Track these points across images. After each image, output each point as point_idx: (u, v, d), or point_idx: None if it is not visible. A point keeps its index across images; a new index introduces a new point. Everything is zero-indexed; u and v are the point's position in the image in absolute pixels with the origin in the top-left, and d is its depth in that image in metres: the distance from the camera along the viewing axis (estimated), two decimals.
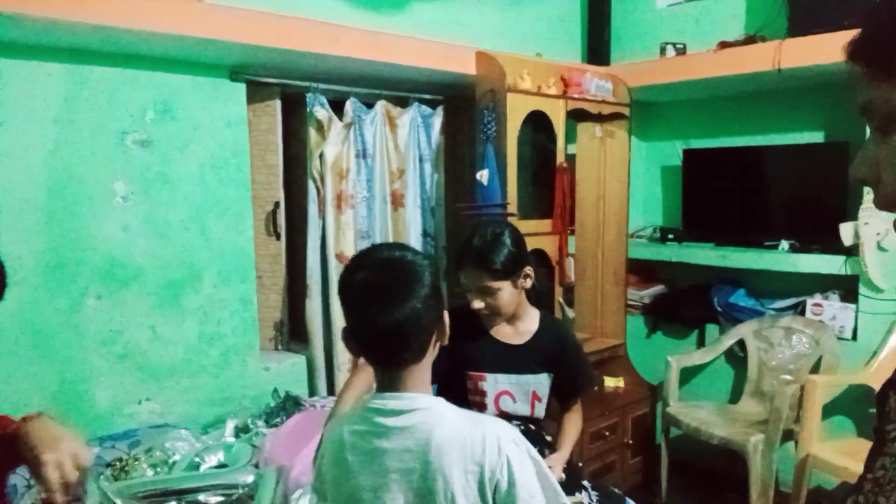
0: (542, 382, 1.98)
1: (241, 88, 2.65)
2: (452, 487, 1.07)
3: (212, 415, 2.62)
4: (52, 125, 2.23)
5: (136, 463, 1.92)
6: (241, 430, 2.36)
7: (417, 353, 1.14)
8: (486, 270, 1.81)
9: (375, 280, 1.12)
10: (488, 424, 1.13)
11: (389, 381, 1.15)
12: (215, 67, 2.57)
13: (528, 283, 1.90)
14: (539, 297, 2.02)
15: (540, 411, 2.00)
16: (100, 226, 2.34)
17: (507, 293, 1.85)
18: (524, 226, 2.74)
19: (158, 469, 1.91)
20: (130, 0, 2.03)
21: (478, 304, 1.84)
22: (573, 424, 2.04)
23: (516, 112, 2.91)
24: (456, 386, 1.92)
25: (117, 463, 1.99)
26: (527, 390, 1.96)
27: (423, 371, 1.16)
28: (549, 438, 2.04)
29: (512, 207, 2.91)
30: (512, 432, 1.16)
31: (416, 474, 1.09)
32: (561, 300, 3.27)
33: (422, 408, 1.12)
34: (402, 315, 1.09)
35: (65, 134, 2.26)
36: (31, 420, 1.10)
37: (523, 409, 1.95)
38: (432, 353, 1.18)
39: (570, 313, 3.44)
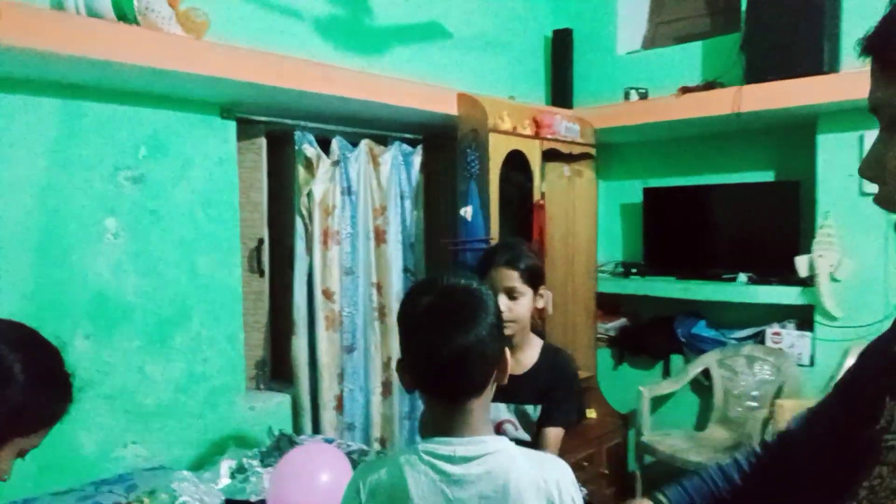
0: (526, 412, 2.02)
1: (232, 126, 2.66)
2: None
3: (197, 456, 2.55)
4: (44, 160, 2.17)
5: None
6: (236, 472, 2.30)
7: (480, 384, 1.11)
8: (517, 270, 1.84)
9: (441, 305, 1.10)
10: (555, 466, 1.16)
11: (451, 419, 1.09)
12: (207, 105, 2.57)
13: (541, 303, 1.94)
14: (536, 326, 2.07)
15: (523, 435, 2.04)
16: (90, 263, 2.28)
17: (527, 302, 1.87)
18: None
19: None
20: (128, 36, 2.03)
21: (503, 304, 1.82)
22: None
23: (498, 151, 3.02)
24: None
25: None
26: (527, 420, 2.00)
27: (483, 407, 1.13)
28: None
29: (494, 242, 2.99)
30: (570, 473, 1.18)
31: None
32: None
33: (493, 451, 1.09)
34: (468, 341, 1.06)
35: (57, 169, 2.20)
36: None
37: (524, 435, 1.99)
38: (490, 391, 1.15)
39: None
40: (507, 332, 1.90)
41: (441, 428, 1.11)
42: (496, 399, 1.93)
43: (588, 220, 3.78)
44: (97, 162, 2.29)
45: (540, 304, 1.93)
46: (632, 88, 3.65)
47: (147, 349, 2.44)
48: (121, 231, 2.35)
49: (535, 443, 2.00)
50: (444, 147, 3.32)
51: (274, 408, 2.83)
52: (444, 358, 1.07)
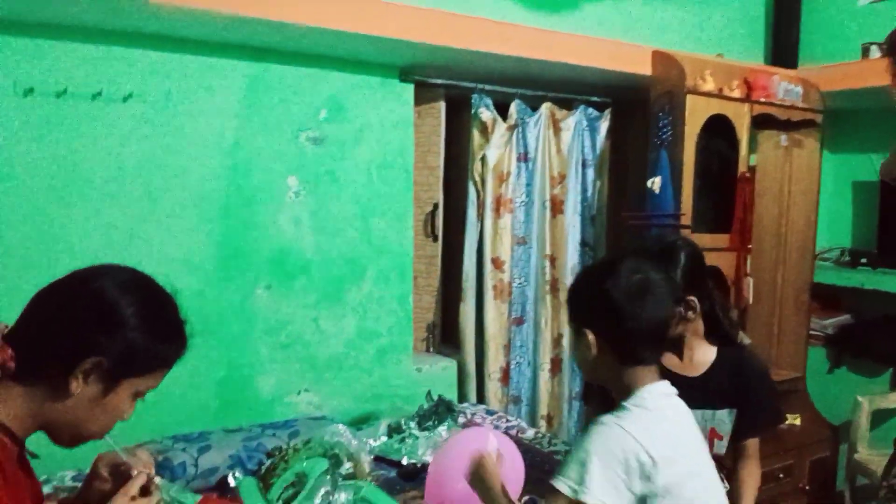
0: (722, 419, 1.74)
1: (410, 89, 2.66)
2: None
3: (363, 410, 2.64)
4: (232, 121, 2.33)
5: (295, 454, 1.93)
6: (394, 430, 2.33)
7: None
8: None
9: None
10: None
11: (654, 374, 1.31)
12: (386, 67, 2.59)
13: (691, 315, 1.68)
14: (719, 326, 1.79)
15: (719, 449, 1.78)
16: (273, 219, 2.42)
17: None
18: (697, 240, 2.48)
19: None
20: None
21: None
22: (752, 476, 1.75)
23: (695, 115, 2.69)
24: None
25: (276, 452, 2.02)
26: (703, 426, 1.74)
27: None
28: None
29: (685, 219, 2.69)
30: None
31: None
32: None
33: None
34: None
35: (244, 129, 2.35)
36: None
37: (720, 450, 1.74)
38: None
39: (745, 339, 3.13)
40: None
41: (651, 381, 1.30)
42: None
43: (808, 198, 3.27)
44: (281, 123, 2.40)
45: (689, 317, 1.66)
46: (872, 44, 3.05)
47: (322, 303, 2.55)
48: (301, 189, 2.46)
49: (714, 454, 1.75)
50: (637, 112, 3.04)
51: (440, 372, 2.83)
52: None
